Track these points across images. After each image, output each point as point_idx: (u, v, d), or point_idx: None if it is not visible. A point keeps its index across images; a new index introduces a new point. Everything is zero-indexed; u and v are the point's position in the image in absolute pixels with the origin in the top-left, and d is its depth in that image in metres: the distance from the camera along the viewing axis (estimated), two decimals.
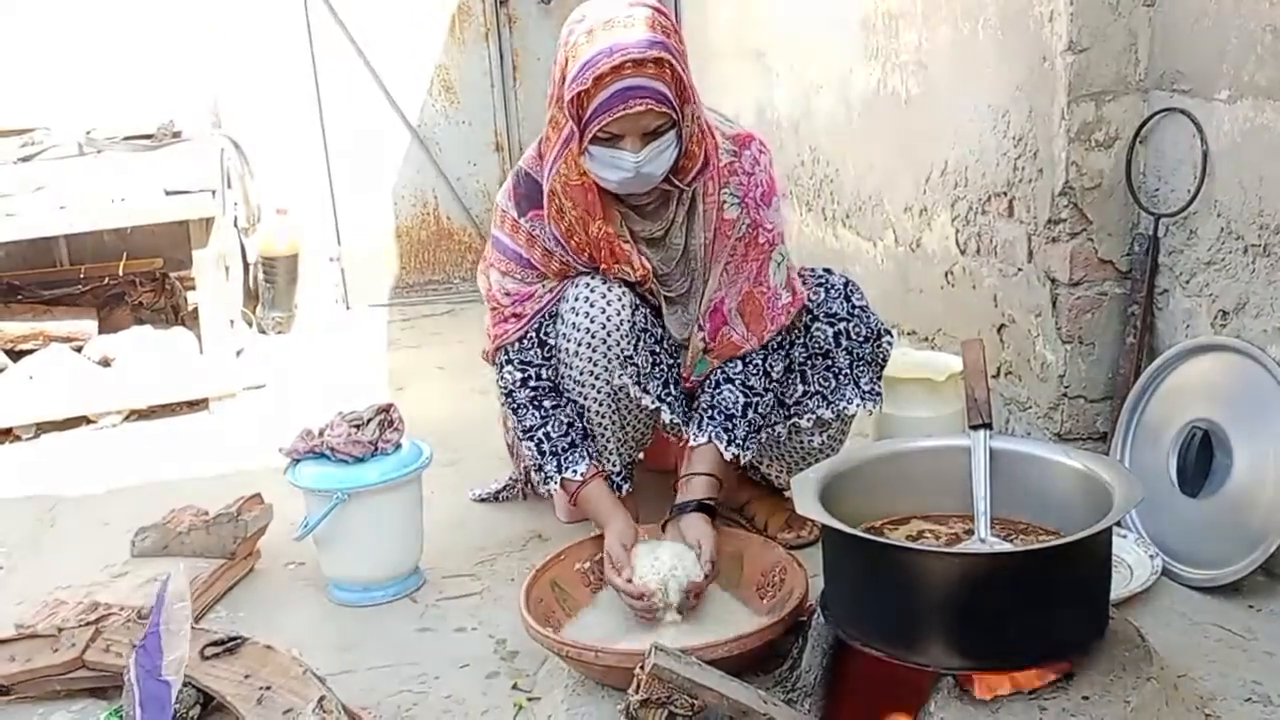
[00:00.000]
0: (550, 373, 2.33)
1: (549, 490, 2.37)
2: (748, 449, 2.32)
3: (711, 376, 2.34)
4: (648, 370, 2.32)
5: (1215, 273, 2.38)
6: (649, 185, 2.17)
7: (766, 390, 2.33)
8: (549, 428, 2.32)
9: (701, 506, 2.22)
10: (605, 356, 2.27)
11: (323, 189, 4.76)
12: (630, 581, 2.10)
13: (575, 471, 2.31)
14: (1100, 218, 2.57)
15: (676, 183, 2.21)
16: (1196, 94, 2.38)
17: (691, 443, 2.31)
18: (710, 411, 2.31)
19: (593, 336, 2.26)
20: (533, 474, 2.41)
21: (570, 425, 2.33)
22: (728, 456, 2.28)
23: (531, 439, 2.33)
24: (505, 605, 2.37)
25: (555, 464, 2.31)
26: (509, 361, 2.33)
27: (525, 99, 4.87)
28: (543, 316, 2.31)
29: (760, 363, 2.32)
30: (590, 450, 2.34)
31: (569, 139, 2.15)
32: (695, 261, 2.32)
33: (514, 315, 2.32)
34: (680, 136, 2.14)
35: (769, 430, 2.43)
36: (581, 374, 2.30)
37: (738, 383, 2.31)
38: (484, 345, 2.45)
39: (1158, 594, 2.21)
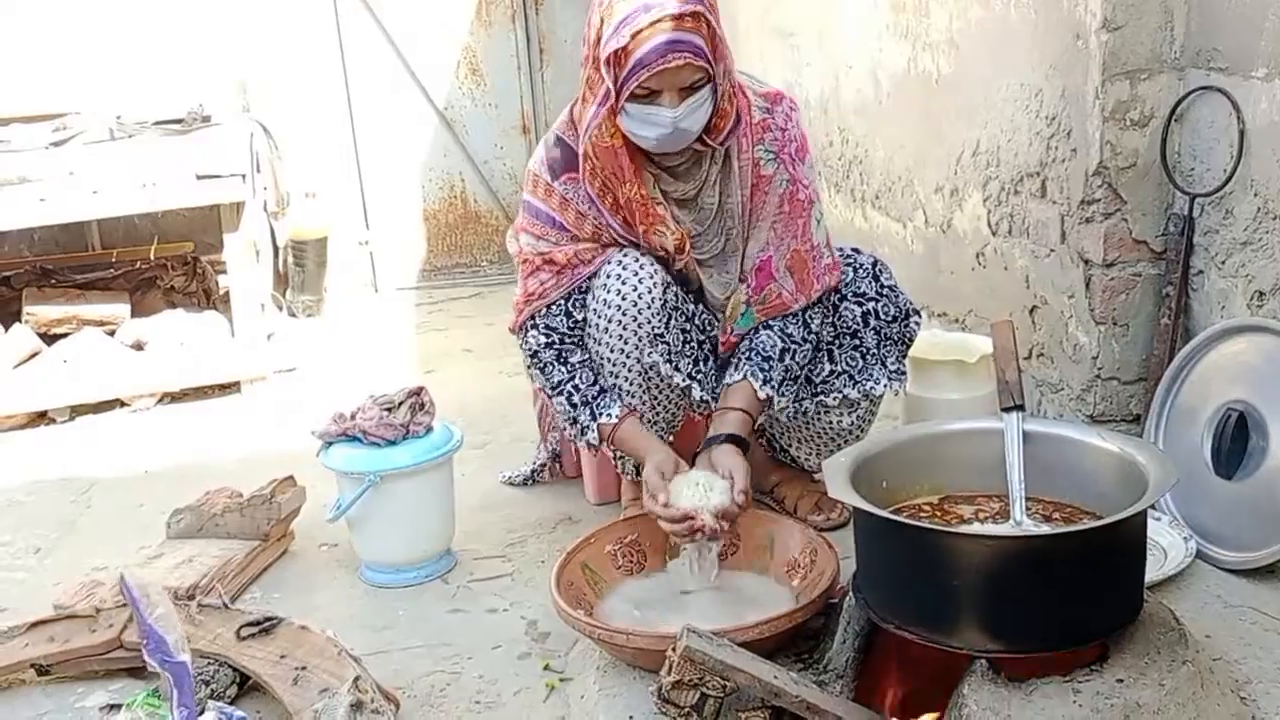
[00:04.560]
0: (575, 340, 2.33)
1: (587, 441, 2.33)
2: (782, 394, 2.31)
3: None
4: (678, 348, 2.32)
5: (1251, 253, 2.36)
6: (685, 142, 2.18)
7: (805, 341, 2.33)
8: (577, 380, 2.31)
9: (732, 439, 2.22)
10: (635, 334, 2.27)
11: (351, 173, 4.78)
12: (667, 506, 2.11)
13: (609, 414, 2.29)
14: (1135, 198, 2.55)
15: (709, 141, 2.22)
16: (1233, 72, 2.35)
17: (726, 380, 2.32)
18: (748, 353, 2.31)
19: (624, 314, 2.26)
20: (567, 430, 2.38)
21: (598, 377, 2.32)
22: (761, 395, 2.27)
23: (561, 393, 2.32)
24: (536, 587, 2.38)
25: (589, 412, 2.30)
26: (534, 326, 2.32)
27: (552, 82, 4.86)
28: (575, 290, 2.30)
29: (799, 313, 2.32)
30: (619, 396, 2.32)
31: (605, 99, 2.14)
32: (731, 219, 2.32)
33: (547, 262, 2.29)
34: (715, 93, 2.15)
35: (802, 389, 2.40)
36: (612, 350, 2.29)
37: (776, 329, 2.31)
38: (511, 319, 2.43)
39: (1192, 577, 2.20)
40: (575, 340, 2.32)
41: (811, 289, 2.32)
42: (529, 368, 2.38)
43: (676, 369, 2.33)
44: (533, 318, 2.32)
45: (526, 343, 2.34)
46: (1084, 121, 2.54)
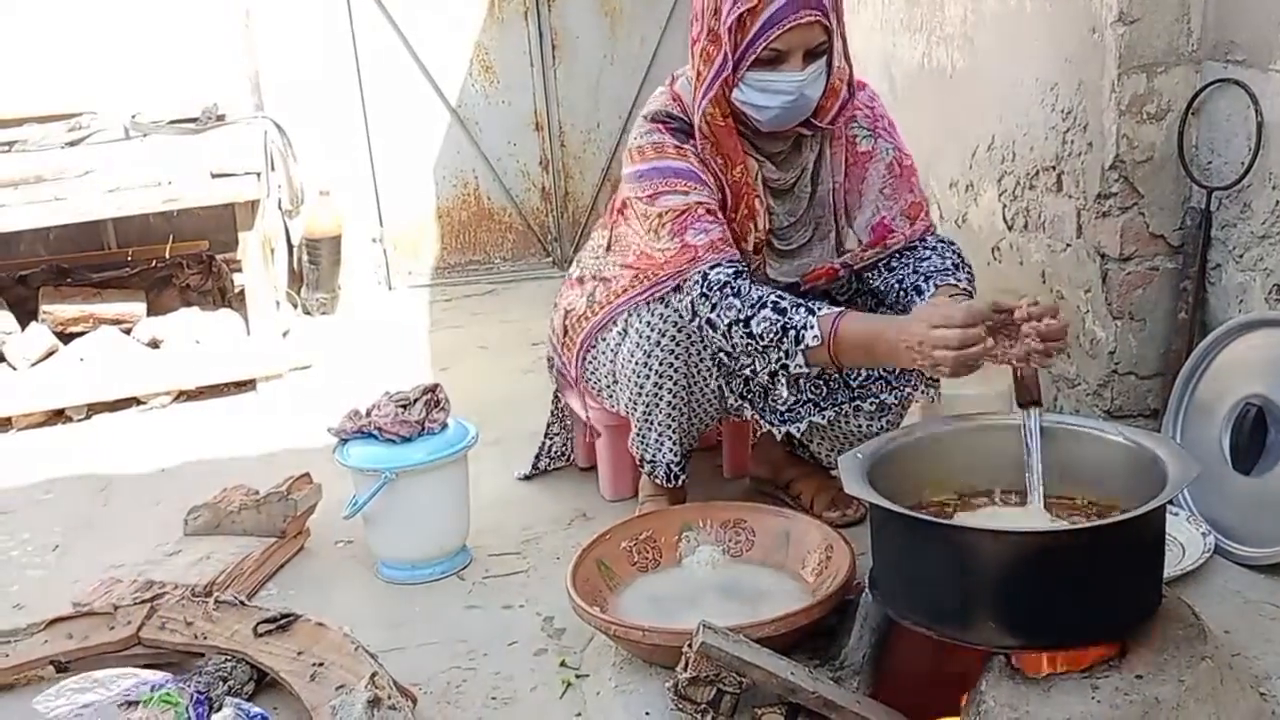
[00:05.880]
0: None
1: (805, 346, 2.06)
2: (972, 288, 2.20)
3: (895, 270, 2.28)
4: (731, 368, 2.30)
5: (1270, 247, 2.34)
6: (803, 114, 2.17)
7: (962, 264, 2.25)
8: (778, 293, 2.14)
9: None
10: (688, 353, 2.27)
11: (364, 170, 4.78)
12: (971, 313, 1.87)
13: (828, 309, 2.10)
14: (1151, 191, 2.53)
15: (816, 123, 2.21)
16: (1251, 64, 2.34)
17: (921, 299, 2.17)
18: (925, 274, 2.21)
19: (679, 330, 2.26)
20: (771, 353, 2.10)
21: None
22: (960, 285, 2.16)
23: (764, 305, 2.10)
24: (552, 583, 2.38)
25: (803, 310, 2.08)
26: (717, 265, 2.16)
27: (565, 78, 4.85)
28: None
29: (951, 246, 2.28)
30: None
31: (722, 69, 2.12)
32: (822, 209, 2.31)
33: (709, 212, 2.19)
34: (829, 67, 2.14)
35: (840, 393, 2.34)
36: (662, 364, 2.28)
37: (935, 254, 2.24)
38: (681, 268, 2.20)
39: (1210, 572, 2.19)
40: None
41: (922, 227, 2.29)
42: (715, 307, 2.14)
43: (730, 390, 2.34)
44: (710, 260, 2.16)
45: (714, 279, 2.14)
46: (1100, 115, 2.53)
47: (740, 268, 2.18)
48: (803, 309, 2.08)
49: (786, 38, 2.05)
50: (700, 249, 2.17)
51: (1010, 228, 2.98)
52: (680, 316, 2.25)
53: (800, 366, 2.09)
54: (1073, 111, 2.63)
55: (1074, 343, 2.77)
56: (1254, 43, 2.32)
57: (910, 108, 3.42)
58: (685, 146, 2.22)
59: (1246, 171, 2.36)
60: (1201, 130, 2.49)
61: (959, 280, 2.19)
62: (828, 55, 2.12)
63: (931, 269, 2.23)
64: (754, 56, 2.07)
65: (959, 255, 2.28)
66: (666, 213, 2.20)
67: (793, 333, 2.07)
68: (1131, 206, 2.55)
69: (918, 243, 2.29)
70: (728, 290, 2.13)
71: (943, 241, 2.31)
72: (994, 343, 1.88)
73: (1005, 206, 2.99)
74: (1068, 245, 2.73)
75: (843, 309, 2.11)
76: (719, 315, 2.14)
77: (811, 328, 2.05)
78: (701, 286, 2.16)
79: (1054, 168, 2.74)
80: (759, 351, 2.13)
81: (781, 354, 2.09)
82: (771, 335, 2.09)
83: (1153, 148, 2.51)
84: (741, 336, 2.12)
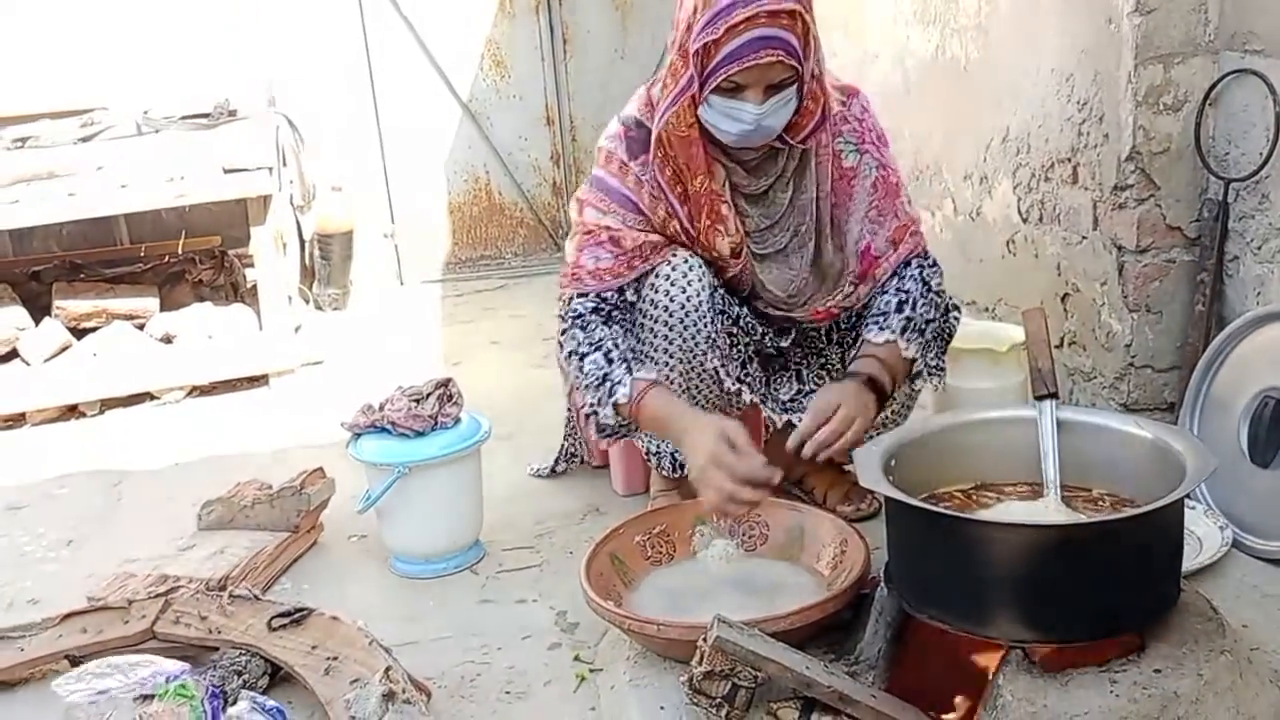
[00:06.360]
0: (624, 314, 2.24)
1: (614, 401, 2.14)
2: (907, 340, 2.21)
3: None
4: (725, 352, 2.29)
5: None
6: (765, 139, 2.16)
7: (924, 296, 2.24)
8: (618, 340, 2.18)
9: (859, 378, 2.14)
10: (682, 336, 2.25)
11: (376, 166, 4.78)
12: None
13: (646, 374, 2.16)
14: (1168, 183, 2.52)
15: (789, 140, 2.19)
16: (1269, 54, 2.32)
17: (865, 339, 2.24)
18: (869, 315, 2.26)
19: (670, 315, 2.24)
20: (589, 395, 2.18)
21: (637, 347, 2.23)
22: (879, 339, 2.19)
23: (598, 349, 2.17)
24: (565, 577, 2.37)
25: (625, 367, 2.15)
26: (584, 295, 2.22)
27: (576, 73, 4.85)
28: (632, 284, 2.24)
29: (916, 272, 2.26)
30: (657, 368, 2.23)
31: (686, 88, 2.11)
32: (805, 215, 2.29)
33: (611, 239, 2.22)
34: (800, 92, 2.12)
35: (934, 333, 2.31)
36: (655, 350, 2.27)
37: (892, 289, 2.25)
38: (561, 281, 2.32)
39: (1228, 566, 2.17)
40: (624, 314, 2.24)
41: (904, 249, 2.27)
42: (564, 332, 2.24)
43: (727, 373, 2.32)
44: (586, 294, 2.23)
45: (572, 308, 2.23)
46: (1116, 106, 2.52)
47: (601, 305, 2.22)
48: (626, 366, 2.15)
49: (745, 74, 2.04)
50: (582, 272, 2.24)
51: (1025, 220, 2.97)
52: (668, 313, 2.24)
53: (608, 418, 2.17)
54: (1089, 103, 2.62)
55: (1090, 336, 2.75)
56: (1272, 33, 2.30)
57: (924, 100, 3.41)
58: (631, 164, 2.23)
59: (1265, 163, 2.34)
60: (1219, 121, 2.47)
61: (885, 328, 2.21)
62: (798, 82, 2.10)
63: (875, 309, 2.25)
64: (715, 85, 2.07)
65: (923, 285, 2.25)
66: (578, 225, 2.27)
67: (608, 385, 2.15)
68: (1148, 198, 2.53)
69: (901, 268, 2.27)
70: (578, 322, 2.21)
71: (925, 266, 2.27)
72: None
73: (1020, 199, 2.97)
74: (1084, 237, 2.72)
75: (658, 379, 2.17)
76: (565, 341, 2.23)
77: (624, 385, 2.13)
78: (563, 310, 2.24)
79: (1070, 159, 2.72)
80: (583, 388, 2.20)
81: (596, 400, 2.17)
82: (594, 379, 2.17)
83: (1170, 139, 2.49)
84: (575, 368, 2.21)
